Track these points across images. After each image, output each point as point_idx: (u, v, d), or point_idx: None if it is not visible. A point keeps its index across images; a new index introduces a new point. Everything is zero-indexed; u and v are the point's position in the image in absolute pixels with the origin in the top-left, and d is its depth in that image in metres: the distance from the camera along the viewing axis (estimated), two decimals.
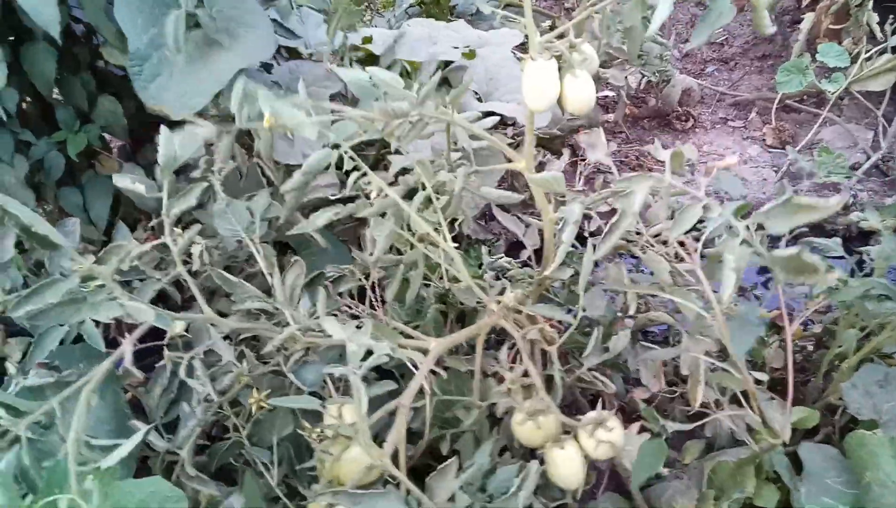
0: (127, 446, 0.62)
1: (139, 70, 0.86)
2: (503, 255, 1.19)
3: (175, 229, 0.66)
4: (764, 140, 1.95)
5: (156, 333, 0.92)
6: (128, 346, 0.63)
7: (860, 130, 1.89)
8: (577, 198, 0.71)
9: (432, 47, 1.25)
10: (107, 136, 1.23)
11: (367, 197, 0.73)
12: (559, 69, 0.65)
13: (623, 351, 0.92)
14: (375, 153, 1.21)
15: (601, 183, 1.53)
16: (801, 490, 0.90)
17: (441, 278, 0.97)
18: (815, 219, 0.59)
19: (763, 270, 1.42)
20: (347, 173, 0.69)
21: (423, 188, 0.72)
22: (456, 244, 0.86)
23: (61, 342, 0.79)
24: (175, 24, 0.75)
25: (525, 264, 1.13)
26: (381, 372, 0.77)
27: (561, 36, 0.65)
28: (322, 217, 0.72)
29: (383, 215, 0.74)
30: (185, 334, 0.78)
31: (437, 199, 0.73)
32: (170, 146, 0.66)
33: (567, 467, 0.74)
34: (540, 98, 0.65)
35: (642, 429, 0.83)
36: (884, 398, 0.92)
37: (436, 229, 0.73)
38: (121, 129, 1.12)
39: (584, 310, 0.81)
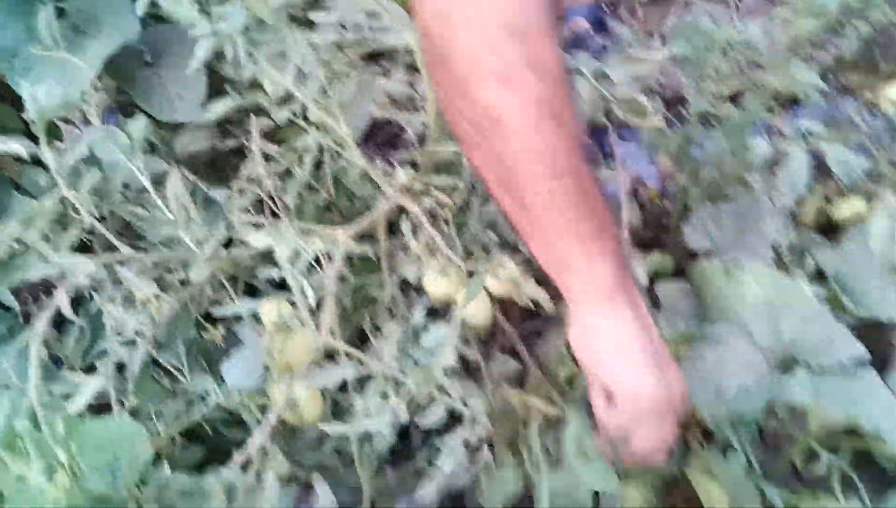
0: (86, 391, 0.71)
1: (10, 67, 0.91)
2: None
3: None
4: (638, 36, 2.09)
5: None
6: (62, 295, 0.71)
7: (719, 9, 2.05)
8: None
9: None
10: None
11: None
12: None
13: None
14: None
15: None
16: (661, 321, 1.08)
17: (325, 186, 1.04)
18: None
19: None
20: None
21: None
22: None
23: None
24: (47, 19, 0.79)
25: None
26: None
27: None
28: (219, 106, 0.78)
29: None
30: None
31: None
32: (35, 101, 0.72)
33: (476, 305, 0.84)
34: None
35: None
36: (717, 230, 1.09)
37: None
38: (18, 132, 1.12)
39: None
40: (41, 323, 0.64)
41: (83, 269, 0.65)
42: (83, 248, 0.83)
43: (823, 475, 1.16)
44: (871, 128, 1.06)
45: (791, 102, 1.43)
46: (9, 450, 0.52)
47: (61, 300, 0.66)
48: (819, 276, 1.10)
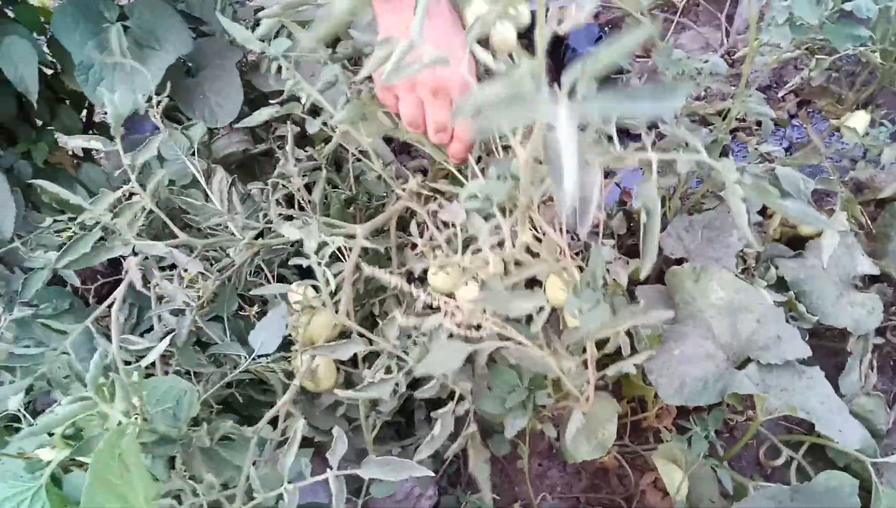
0: (158, 349, 0.85)
1: (86, 78, 1.07)
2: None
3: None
4: (633, 52, 2.22)
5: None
6: (134, 268, 0.85)
7: (711, 31, 2.17)
8: None
9: None
10: None
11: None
12: None
13: None
14: None
15: None
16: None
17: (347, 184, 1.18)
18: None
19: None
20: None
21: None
22: None
23: None
24: (117, 36, 0.97)
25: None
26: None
27: None
28: (264, 113, 0.93)
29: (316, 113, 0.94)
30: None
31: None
32: (113, 105, 0.87)
33: (469, 295, 0.95)
34: None
35: None
36: (689, 239, 1.22)
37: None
38: (78, 132, 1.30)
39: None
40: (120, 292, 0.78)
41: (155, 250, 0.79)
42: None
43: (782, 465, 1.30)
44: (833, 152, 1.19)
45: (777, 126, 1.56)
46: (97, 394, 0.65)
47: (134, 275, 0.80)
48: (782, 284, 1.23)
